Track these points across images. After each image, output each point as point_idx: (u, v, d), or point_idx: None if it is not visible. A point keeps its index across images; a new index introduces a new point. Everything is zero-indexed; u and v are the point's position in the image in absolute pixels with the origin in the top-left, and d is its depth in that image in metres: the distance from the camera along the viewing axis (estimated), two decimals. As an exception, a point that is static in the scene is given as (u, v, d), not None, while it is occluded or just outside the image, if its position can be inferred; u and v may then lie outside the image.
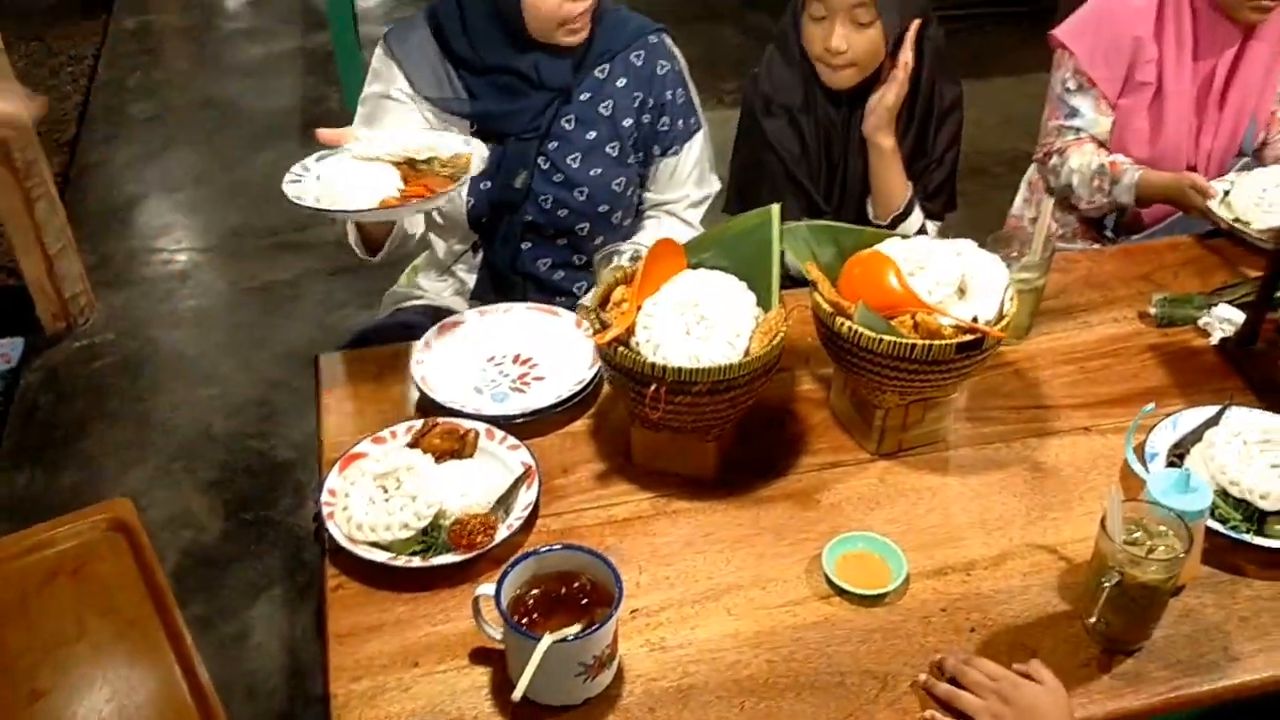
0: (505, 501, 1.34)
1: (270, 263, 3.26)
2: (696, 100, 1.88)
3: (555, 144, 1.76)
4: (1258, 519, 1.32)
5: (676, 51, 1.85)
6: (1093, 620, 1.19)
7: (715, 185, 1.95)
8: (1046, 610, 1.25)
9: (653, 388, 1.28)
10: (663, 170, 1.88)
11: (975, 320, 1.34)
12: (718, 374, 1.28)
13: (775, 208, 1.43)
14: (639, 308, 1.35)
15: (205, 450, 2.62)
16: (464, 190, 1.73)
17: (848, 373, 1.43)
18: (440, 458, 1.36)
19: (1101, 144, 2.11)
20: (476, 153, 1.55)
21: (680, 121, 1.84)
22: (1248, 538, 1.30)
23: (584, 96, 1.76)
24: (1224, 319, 1.66)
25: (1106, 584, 1.15)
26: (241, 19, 4.83)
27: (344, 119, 3.80)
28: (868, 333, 1.32)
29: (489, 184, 1.75)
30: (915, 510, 1.38)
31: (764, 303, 1.38)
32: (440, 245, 1.90)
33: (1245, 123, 2.12)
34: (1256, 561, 1.30)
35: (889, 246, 1.42)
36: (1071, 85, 2.09)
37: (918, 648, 1.21)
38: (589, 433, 1.50)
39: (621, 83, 1.78)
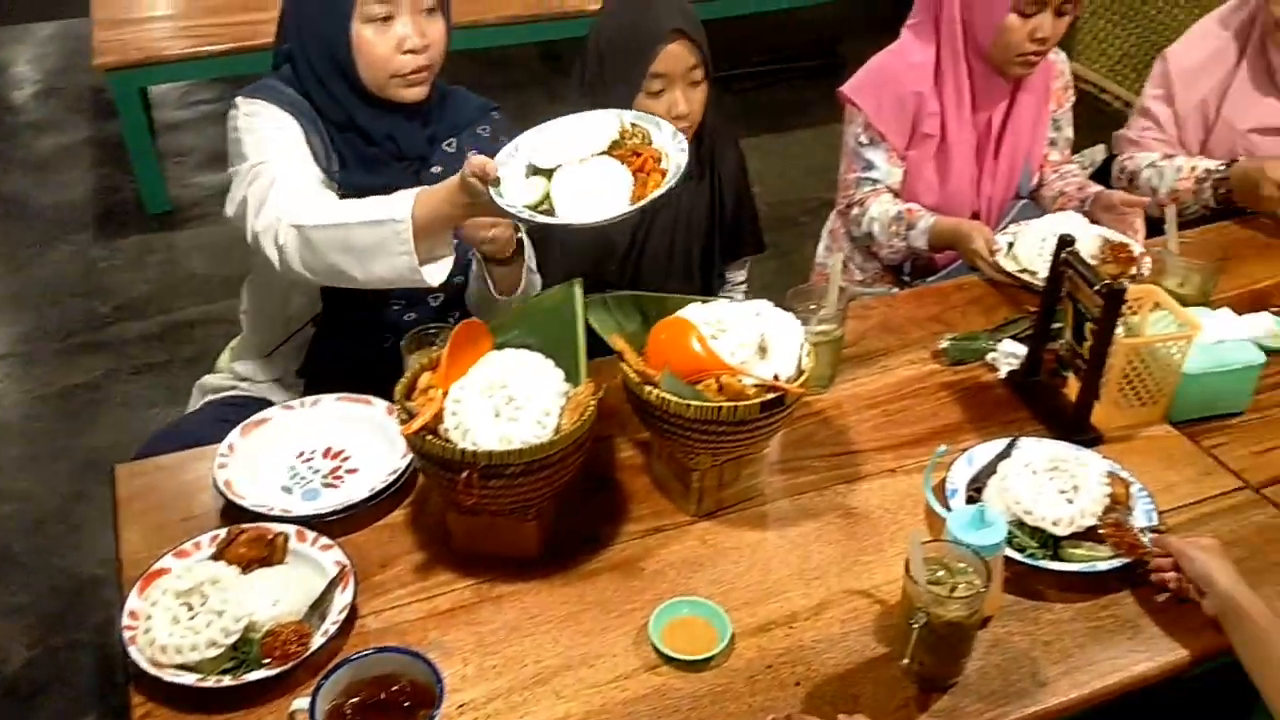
0: (320, 606, 1.29)
1: (67, 366, 3.08)
2: None
3: None
4: (1053, 544, 1.39)
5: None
6: (907, 661, 1.23)
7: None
8: (866, 655, 1.28)
9: (465, 474, 1.27)
10: None
11: (776, 378, 1.38)
12: (530, 454, 1.27)
13: (578, 282, 1.44)
14: (446, 393, 1.33)
15: (5, 572, 2.43)
16: None
17: (661, 438, 1.45)
18: (248, 566, 1.31)
19: (897, 194, 2.22)
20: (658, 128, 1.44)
21: None
22: (1045, 564, 1.37)
23: (436, 169, 1.76)
24: (1009, 353, 1.75)
25: (915, 625, 1.19)
26: (27, 111, 4.59)
27: (139, 207, 3.72)
28: (675, 399, 1.34)
29: None
30: (737, 568, 1.40)
31: (573, 378, 1.39)
32: (273, 317, 1.83)
33: (1020, 167, 2.26)
34: (1055, 585, 1.37)
35: (691, 312, 1.45)
36: (864, 139, 2.19)
37: (745, 709, 1.22)
38: (407, 523, 1.46)
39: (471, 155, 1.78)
